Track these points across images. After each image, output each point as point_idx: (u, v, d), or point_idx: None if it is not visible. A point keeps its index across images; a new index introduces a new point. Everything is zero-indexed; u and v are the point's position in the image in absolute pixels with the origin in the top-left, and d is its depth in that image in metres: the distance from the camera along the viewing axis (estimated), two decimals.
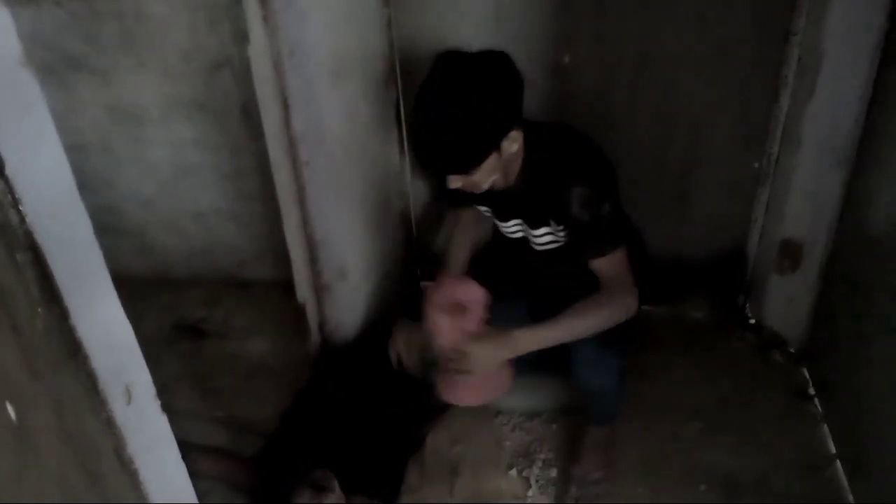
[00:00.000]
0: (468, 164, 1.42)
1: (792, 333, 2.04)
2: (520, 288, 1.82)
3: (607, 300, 1.50)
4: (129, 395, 0.93)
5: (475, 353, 1.51)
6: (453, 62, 1.42)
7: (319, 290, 1.87)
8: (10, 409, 0.69)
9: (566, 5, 1.85)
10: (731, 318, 2.17)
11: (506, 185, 1.55)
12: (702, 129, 1.96)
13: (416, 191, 2.24)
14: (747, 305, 2.16)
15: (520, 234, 1.70)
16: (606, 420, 1.78)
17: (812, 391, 1.94)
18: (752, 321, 2.14)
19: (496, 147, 1.41)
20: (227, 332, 2.33)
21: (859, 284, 1.71)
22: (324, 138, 1.72)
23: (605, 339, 1.52)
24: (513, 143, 1.44)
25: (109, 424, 0.89)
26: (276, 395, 2.00)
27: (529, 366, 1.68)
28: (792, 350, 2.05)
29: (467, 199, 1.67)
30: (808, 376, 1.98)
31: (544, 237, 1.64)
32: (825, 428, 1.84)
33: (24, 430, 0.71)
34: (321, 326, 1.95)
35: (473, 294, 1.55)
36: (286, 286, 2.25)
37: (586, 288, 1.53)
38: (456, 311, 1.53)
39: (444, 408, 1.88)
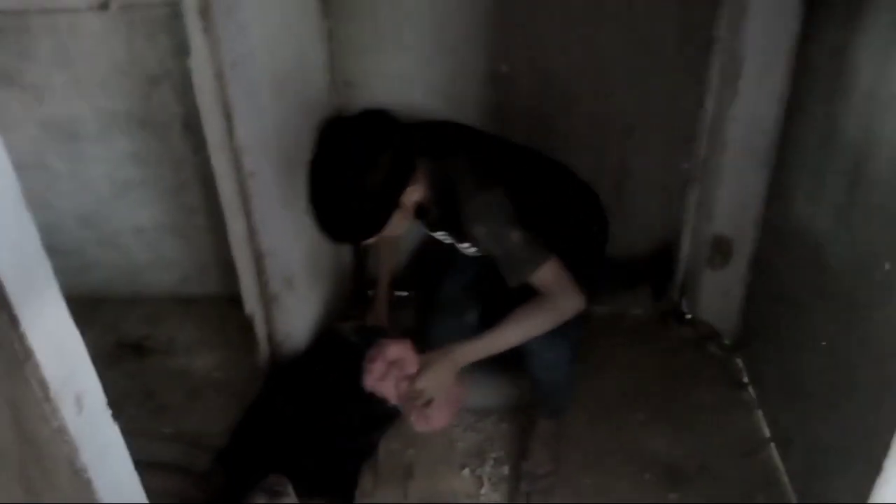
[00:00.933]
0: (372, 231, 1.47)
1: (726, 326, 2.14)
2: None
3: (543, 306, 1.52)
4: (80, 404, 0.93)
5: (426, 384, 1.55)
6: (337, 131, 1.47)
7: (267, 300, 1.88)
8: None
9: (501, 16, 1.91)
10: (669, 313, 2.26)
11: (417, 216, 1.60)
12: (635, 133, 2.05)
13: None
14: (683, 300, 2.25)
15: (449, 241, 1.75)
16: (556, 413, 1.84)
17: (746, 380, 2.04)
18: (689, 316, 2.24)
19: (396, 206, 1.46)
20: (172, 349, 2.29)
21: (783, 277, 1.82)
22: (269, 149, 1.73)
23: (556, 331, 1.55)
24: (413, 193, 1.49)
25: (62, 432, 0.88)
26: (226, 408, 1.98)
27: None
28: (727, 342, 2.15)
29: None
30: (742, 366, 2.08)
31: (471, 249, 1.69)
32: (759, 413, 1.93)
33: None
34: (270, 337, 1.95)
35: (398, 351, 1.62)
36: (231, 300, 2.26)
37: None
38: (392, 368, 1.61)
39: (396, 414, 1.90)
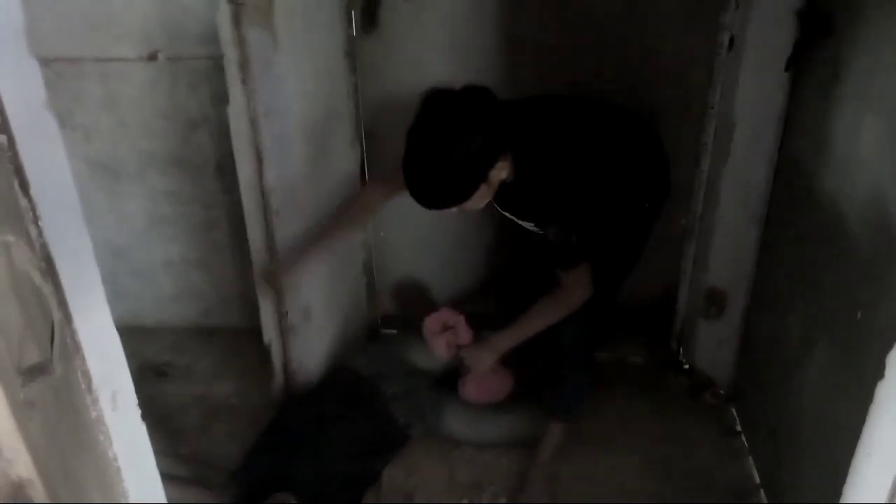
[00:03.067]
0: (457, 200, 1.55)
1: (721, 375, 2.22)
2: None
3: (558, 298, 1.78)
4: (115, 401, 1.05)
5: (468, 358, 1.99)
6: (437, 102, 1.54)
7: (285, 330, 2.00)
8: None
9: (513, 78, 2.08)
10: (667, 362, 2.35)
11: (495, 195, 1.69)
12: None
13: (379, 242, 2.40)
14: (681, 350, 2.34)
15: (512, 218, 1.84)
16: (569, 413, 1.97)
17: (739, 428, 2.11)
18: (686, 365, 2.32)
19: (484, 180, 1.54)
20: (192, 376, 2.42)
21: (775, 328, 1.91)
22: (294, 190, 1.89)
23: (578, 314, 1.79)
24: (500, 172, 1.57)
25: (100, 422, 1.01)
26: (240, 433, 2.09)
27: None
28: (721, 391, 2.22)
29: None
30: (735, 415, 2.16)
31: (530, 225, 1.81)
32: (750, 460, 2.00)
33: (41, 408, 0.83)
34: (285, 366, 2.06)
35: (455, 317, 2.11)
36: (250, 333, 2.39)
37: None
38: (446, 331, 2.11)
39: (401, 444, 2.00)
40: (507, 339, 1.90)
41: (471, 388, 2.03)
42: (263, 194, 1.82)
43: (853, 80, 1.46)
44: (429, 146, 1.50)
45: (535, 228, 1.79)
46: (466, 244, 2.41)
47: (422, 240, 2.42)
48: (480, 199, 1.59)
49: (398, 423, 1.99)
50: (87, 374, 0.99)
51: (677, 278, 2.29)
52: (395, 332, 2.50)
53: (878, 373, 0.92)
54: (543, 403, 2.00)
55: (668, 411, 2.19)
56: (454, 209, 1.57)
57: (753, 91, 1.84)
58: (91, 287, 0.99)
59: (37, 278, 0.84)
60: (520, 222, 1.83)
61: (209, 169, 2.33)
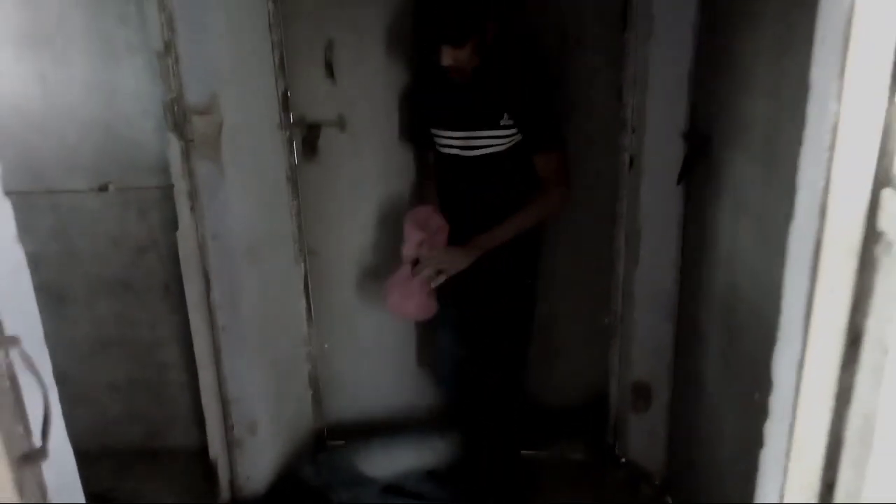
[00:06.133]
0: (463, 34, 1.74)
1: (654, 466, 2.33)
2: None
3: (545, 196, 1.93)
4: None
5: (442, 258, 1.94)
6: None
7: (231, 445, 2.05)
8: None
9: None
10: (604, 458, 2.45)
11: (464, 78, 1.86)
12: (560, 294, 2.37)
13: (324, 354, 2.50)
14: (616, 445, 2.45)
15: (454, 151, 1.97)
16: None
17: None
18: (623, 459, 2.43)
19: (485, 23, 1.76)
20: (138, 500, 2.39)
21: (696, 418, 2.05)
22: (239, 307, 2.00)
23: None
24: (491, 31, 1.78)
25: None
26: None
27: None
28: (657, 482, 2.33)
29: (425, 128, 2.04)
30: (671, 503, 2.25)
31: (485, 140, 1.92)
32: None
33: None
34: (232, 482, 2.09)
35: (439, 221, 2.01)
36: (196, 453, 2.41)
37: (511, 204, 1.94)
38: (425, 229, 1.99)
39: None
40: (487, 241, 1.93)
41: (393, 299, 2.01)
42: (210, 311, 1.93)
43: (729, 190, 1.70)
44: None
45: (490, 137, 1.91)
46: (410, 356, 2.53)
47: (366, 351, 2.52)
48: (470, 53, 1.77)
49: None
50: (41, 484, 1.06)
51: (606, 376, 2.43)
52: (342, 442, 2.54)
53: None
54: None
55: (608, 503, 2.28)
56: (451, 56, 1.76)
57: (653, 203, 2.08)
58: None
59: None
60: (471, 141, 1.94)
61: (156, 291, 2.42)
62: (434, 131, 2.01)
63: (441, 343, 2.31)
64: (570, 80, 2.17)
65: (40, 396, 0.83)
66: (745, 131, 1.62)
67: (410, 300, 1.98)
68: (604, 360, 2.43)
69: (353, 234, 2.38)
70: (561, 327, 2.42)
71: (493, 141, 1.92)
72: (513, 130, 1.90)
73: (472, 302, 2.07)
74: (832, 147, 0.74)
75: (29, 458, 0.72)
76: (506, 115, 1.89)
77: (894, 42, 0.67)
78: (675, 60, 1.92)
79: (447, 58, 1.78)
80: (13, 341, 0.70)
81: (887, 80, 0.68)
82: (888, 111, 0.69)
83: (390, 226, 2.35)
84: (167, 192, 2.04)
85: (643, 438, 2.34)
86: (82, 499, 1.09)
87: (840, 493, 0.86)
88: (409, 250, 1.98)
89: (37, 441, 0.77)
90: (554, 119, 1.96)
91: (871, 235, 0.74)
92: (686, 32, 1.89)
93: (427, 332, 2.46)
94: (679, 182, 2.00)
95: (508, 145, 1.92)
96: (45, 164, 2.30)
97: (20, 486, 0.69)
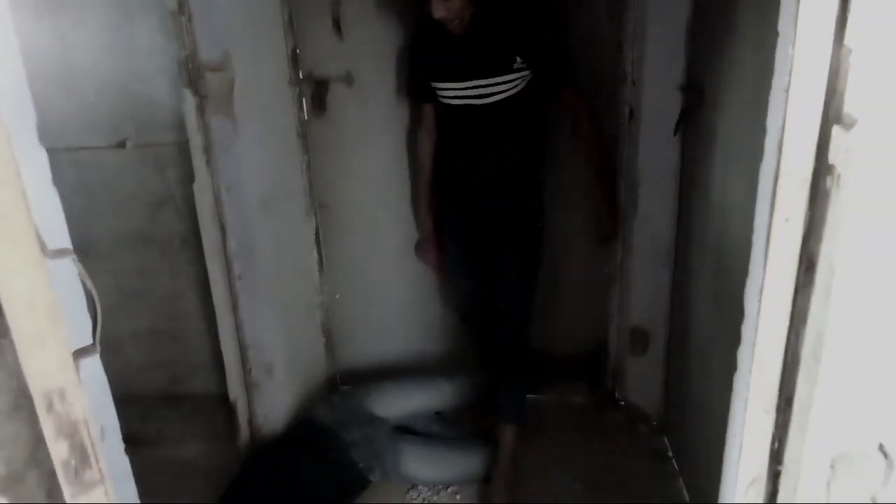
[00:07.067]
0: None
1: (651, 408, 2.44)
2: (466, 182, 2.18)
3: (589, 126, 2.12)
4: (102, 434, 1.23)
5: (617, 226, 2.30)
6: None
7: (249, 387, 2.17)
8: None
9: None
10: (604, 400, 2.57)
11: (463, 29, 1.90)
12: (562, 244, 2.45)
13: (335, 303, 2.61)
14: (615, 388, 2.56)
15: (466, 102, 2.02)
16: (517, 417, 2.20)
17: (670, 454, 2.32)
18: (621, 401, 2.54)
19: None
20: (160, 441, 2.54)
21: (692, 361, 2.15)
22: (254, 256, 2.10)
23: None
24: None
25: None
26: (208, 491, 2.21)
27: None
28: (654, 422, 2.44)
29: (427, 81, 2.08)
30: (666, 442, 2.37)
31: (499, 86, 1.96)
32: (681, 481, 2.20)
33: None
34: (251, 421, 2.22)
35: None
36: (216, 398, 2.55)
37: (526, 150, 2.08)
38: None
39: (362, 487, 2.15)
40: (610, 194, 2.23)
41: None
42: (227, 260, 2.03)
43: (722, 140, 1.77)
44: None
45: (503, 82, 1.95)
46: (417, 304, 2.63)
47: (375, 300, 2.63)
48: (461, 3, 1.81)
49: (358, 468, 2.14)
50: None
51: (606, 322, 2.53)
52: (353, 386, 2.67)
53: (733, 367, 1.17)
54: (494, 412, 2.24)
55: (607, 443, 2.39)
56: (443, 7, 1.79)
57: (652, 154, 2.15)
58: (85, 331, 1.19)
59: None
60: (485, 89, 1.97)
61: (175, 243, 2.53)
62: (440, 84, 2.05)
63: (460, 287, 2.43)
64: (572, 34, 2.22)
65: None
66: (735, 82, 1.68)
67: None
68: (604, 308, 2.52)
69: (361, 186, 2.47)
70: (563, 277, 2.51)
71: (507, 85, 1.96)
72: (525, 73, 1.95)
73: (488, 243, 2.18)
74: (788, 89, 0.81)
75: (84, 352, 0.84)
76: (518, 59, 1.93)
77: None
78: (672, 14, 1.97)
79: (438, 9, 1.80)
80: (66, 252, 0.81)
81: (832, 27, 0.75)
82: (834, 55, 0.76)
83: (398, 179, 2.44)
84: (182, 147, 2.13)
85: (641, 382, 2.45)
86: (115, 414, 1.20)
87: (796, 407, 0.95)
88: None
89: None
90: (571, 54, 2.03)
91: (822, 168, 0.82)
92: None
93: (437, 280, 2.57)
94: (675, 133, 2.06)
95: (522, 87, 1.97)
96: (65, 122, 2.40)
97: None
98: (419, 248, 2.42)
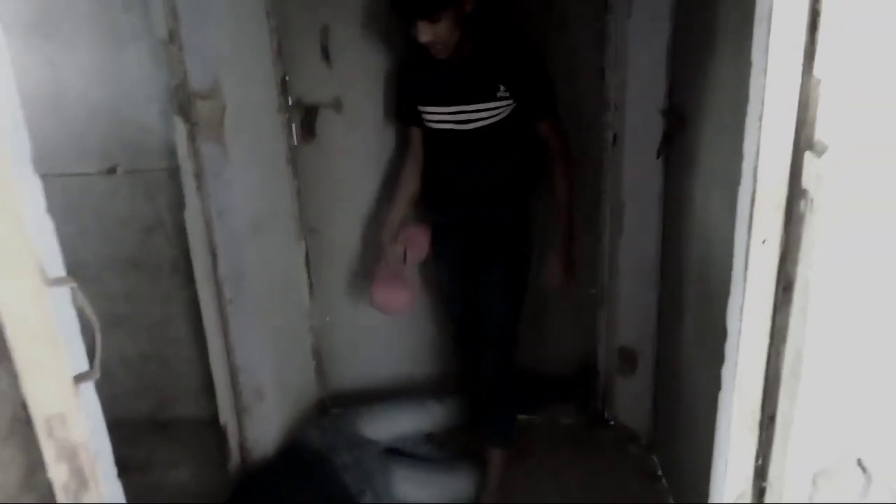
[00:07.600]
0: (433, 6, 1.75)
1: (641, 428, 2.46)
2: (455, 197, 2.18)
3: (562, 159, 2.07)
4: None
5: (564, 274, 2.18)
6: None
7: (240, 410, 2.17)
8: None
9: None
10: (594, 420, 2.58)
11: (448, 54, 1.90)
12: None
13: (325, 327, 2.62)
14: (604, 408, 2.58)
15: (450, 126, 2.03)
16: (500, 439, 2.22)
17: (660, 472, 2.34)
18: (611, 421, 2.56)
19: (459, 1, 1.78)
20: (150, 466, 2.52)
21: (680, 380, 2.17)
22: (244, 281, 2.11)
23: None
24: (468, 4, 1.81)
25: None
26: None
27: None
28: (643, 442, 2.46)
29: (413, 105, 2.09)
30: (656, 461, 2.39)
31: (482, 113, 1.98)
32: (671, 500, 2.21)
33: None
34: (241, 445, 2.22)
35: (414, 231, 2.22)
36: (205, 422, 2.54)
37: (513, 173, 2.09)
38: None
39: None
40: (567, 232, 2.11)
41: (379, 297, 2.19)
42: (217, 285, 2.04)
43: (702, 163, 1.81)
44: None
45: (486, 109, 1.97)
46: (406, 329, 2.65)
47: (365, 324, 2.64)
48: (448, 29, 1.81)
49: (350, 491, 2.14)
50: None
51: (594, 342, 2.56)
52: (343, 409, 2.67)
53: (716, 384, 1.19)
54: (482, 436, 2.25)
55: (597, 463, 2.41)
56: (429, 32, 1.79)
57: (635, 177, 2.19)
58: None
59: None
60: (468, 114, 1.99)
61: (165, 268, 2.53)
62: (425, 108, 2.07)
63: (450, 309, 2.47)
64: (554, 61, 2.27)
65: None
66: (715, 106, 1.73)
67: (397, 293, 2.19)
68: (592, 329, 2.55)
69: (351, 211, 2.49)
70: (550, 298, 2.54)
71: (490, 113, 1.98)
72: (508, 101, 1.97)
73: (474, 266, 2.20)
74: (761, 117, 0.85)
75: (83, 377, 0.85)
76: (502, 88, 1.95)
77: (806, 23, 0.78)
78: (652, 41, 2.03)
79: (424, 34, 1.81)
80: (68, 280, 0.83)
81: (800, 58, 0.79)
82: (804, 84, 0.80)
83: (386, 204, 2.46)
84: (172, 173, 2.15)
85: (630, 402, 2.47)
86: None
87: (778, 424, 0.98)
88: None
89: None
90: (552, 86, 2.04)
91: (796, 193, 0.86)
92: (664, 13, 1.99)
93: (427, 302, 2.59)
94: (658, 156, 2.10)
95: (503, 115, 1.99)
96: (55, 148, 2.41)
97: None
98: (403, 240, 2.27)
